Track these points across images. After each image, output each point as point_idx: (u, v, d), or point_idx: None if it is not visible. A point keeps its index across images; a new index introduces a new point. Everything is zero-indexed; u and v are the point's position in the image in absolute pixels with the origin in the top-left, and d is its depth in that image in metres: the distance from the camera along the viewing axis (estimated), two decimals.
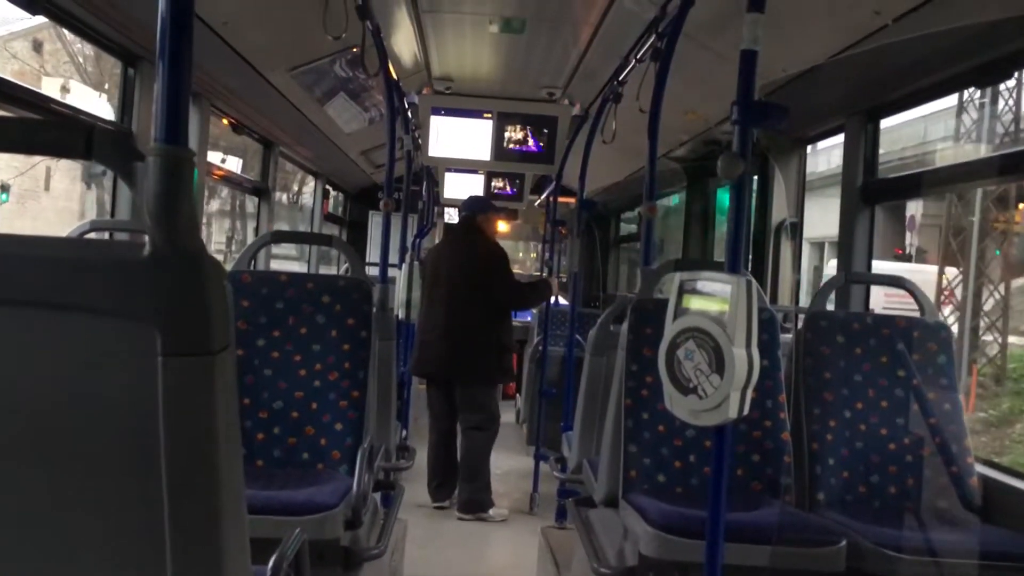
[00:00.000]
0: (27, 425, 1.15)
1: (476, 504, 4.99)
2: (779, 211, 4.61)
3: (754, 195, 4.73)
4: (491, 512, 5.01)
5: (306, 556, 1.66)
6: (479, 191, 7.68)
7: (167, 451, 1.13)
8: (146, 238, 1.13)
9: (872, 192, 3.67)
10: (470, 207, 5.29)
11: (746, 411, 1.71)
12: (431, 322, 5.09)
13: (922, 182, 3.63)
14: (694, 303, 1.80)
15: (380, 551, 2.66)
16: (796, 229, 4.47)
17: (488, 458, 5.11)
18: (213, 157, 5.29)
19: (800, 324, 3.07)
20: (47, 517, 1.18)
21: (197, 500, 1.17)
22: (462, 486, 5.05)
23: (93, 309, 1.11)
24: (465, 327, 4.96)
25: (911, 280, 3.19)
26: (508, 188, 7.87)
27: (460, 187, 7.77)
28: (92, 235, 3.30)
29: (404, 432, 4.68)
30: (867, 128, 3.63)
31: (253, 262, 3.30)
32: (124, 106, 3.45)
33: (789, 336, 3.27)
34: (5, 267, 1.11)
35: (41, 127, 1.18)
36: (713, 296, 1.76)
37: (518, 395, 8.65)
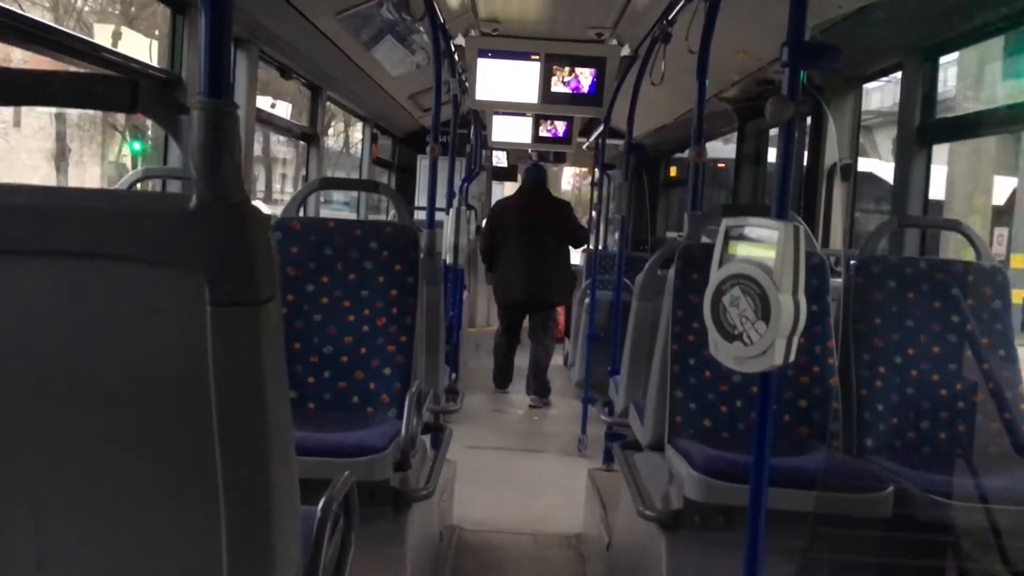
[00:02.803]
0: (83, 373, 1.19)
1: (544, 389, 6.80)
2: (834, 152, 4.52)
3: (807, 136, 4.64)
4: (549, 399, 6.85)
5: (355, 497, 1.70)
6: (527, 135, 7.67)
7: (217, 398, 1.16)
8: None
9: (930, 132, 3.57)
10: (540, 172, 6.94)
11: (792, 358, 1.70)
12: (513, 265, 6.59)
13: (981, 122, 3.52)
14: (741, 249, 1.78)
15: (429, 492, 2.72)
16: (849, 171, 4.38)
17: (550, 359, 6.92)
18: (263, 102, 5.32)
19: (851, 269, 3.02)
20: (103, 464, 1.23)
21: (247, 444, 1.20)
22: (534, 378, 6.80)
23: (143, 260, 1.14)
24: (547, 265, 6.58)
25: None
26: (556, 131, 7.81)
27: (508, 130, 7.72)
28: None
29: (453, 375, 4.74)
30: (925, 67, 3.52)
31: (302, 208, 3.33)
32: (173, 54, 3.47)
33: (840, 281, 3.22)
34: (57, 219, 1.14)
35: (87, 81, 1.20)
36: (760, 242, 1.74)
37: (566, 339, 8.69)
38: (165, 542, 1.26)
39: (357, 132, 8.34)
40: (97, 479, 1.23)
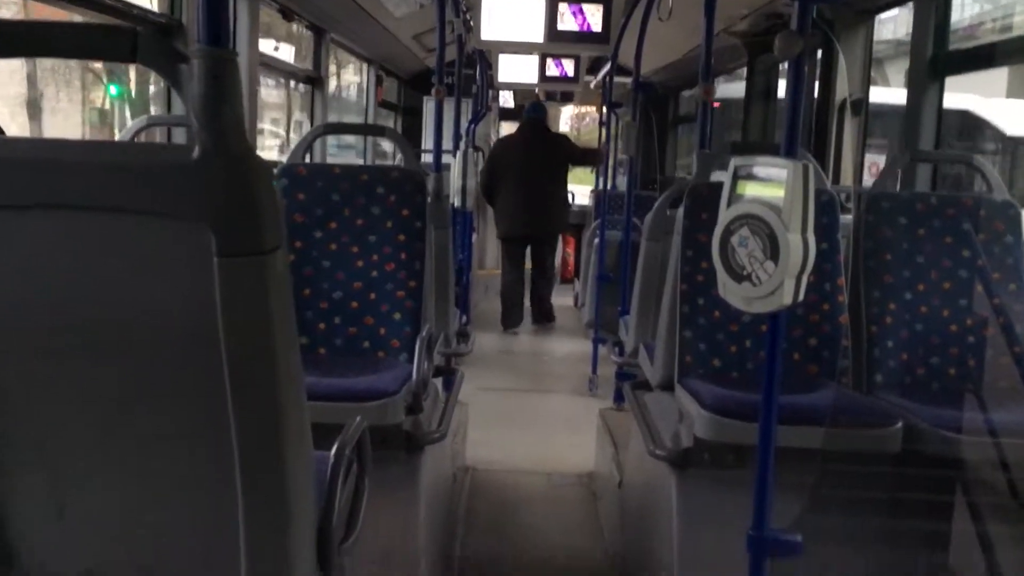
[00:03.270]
0: (90, 326, 1.20)
1: (546, 317, 7.48)
2: (844, 86, 4.44)
3: (818, 70, 4.57)
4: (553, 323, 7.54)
5: (367, 441, 1.71)
6: (533, 74, 7.65)
7: (227, 347, 1.17)
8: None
9: (942, 63, 3.51)
10: (540, 110, 7.19)
11: (801, 297, 1.69)
12: (514, 199, 6.92)
13: (996, 52, 3.45)
14: (750, 189, 1.77)
15: (441, 434, 2.75)
16: (860, 105, 4.31)
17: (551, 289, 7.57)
18: (266, 46, 5.25)
19: (862, 205, 3.00)
20: (114, 415, 1.24)
21: (258, 392, 1.21)
22: (537, 308, 7.47)
23: (147, 212, 1.14)
24: (546, 199, 6.93)
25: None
26: (564, 70, 7.73)
27: (514, 70, 7.65)
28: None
29: (464, 318, 4.76)
30: None
31: (309, 155, 3.31)
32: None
33: (850, 217, 3.20)
34: (59, 172, 1.14)
35: (86, 32, 1.18)
36: (769, 181, 1.72)
37: (576, 279, 8.70)
38: (180, 489, 1.28)
39: (349, 74, 8.18)
40: (110, 430, 1.25)
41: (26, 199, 1.14)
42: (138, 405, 1.24)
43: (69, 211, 1.15)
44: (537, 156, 6.91)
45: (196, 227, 1.13)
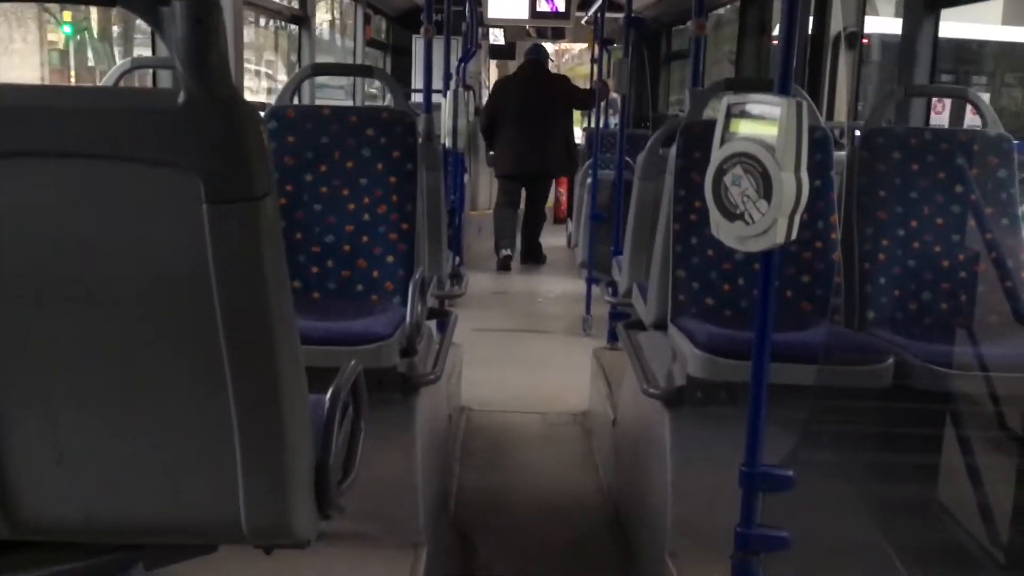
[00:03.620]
0: (83, 274, 1.19)
1: (535, 257, 7.63)
2: (839, 19, 4.38)
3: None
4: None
5: (363, 384, 1.72)
6: (524, 10, 7.62)
7: (219, 294, 1.16)
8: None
9: None
10: (540, 52, 7.42)
11: (794, 236, 1.69)
12: (513, 139, 7.09)
13: None
14: (743, 127, 1.75)
15: (436, 376, 2.76)
16: (855, 39, 4.26)
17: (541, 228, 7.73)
18: None
19: (856, 141, 2.97)
20: (110, 362, 1.24)
21: (252, 337, 1.22)
22: (527, 245, 7.59)
23: (135, 159, 1.12)
24: (545, 138, 7.05)
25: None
26: (554, 5, 7.63)
27: (504, 6, 7.57)
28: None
29: (457, 259, 4.75)
30: None
31: (297, 96, 3.26)
32: None
33: (844, 153, 3.18)
34: (45, 120, 1.12)
35: None
36: (763, 119, 1.70)
37: (569, 219, 8.68)
38: (177, 434, 1.29)
39: (322, 12, 8.04)
40: (106, 377, 1.25)
41: (12, 147, 1.12)
42: (133, 352, 1.24)
43: (55, 159, 1.13)
44: (537, 97, 7.06)
45: (184, 174, 1.12)
